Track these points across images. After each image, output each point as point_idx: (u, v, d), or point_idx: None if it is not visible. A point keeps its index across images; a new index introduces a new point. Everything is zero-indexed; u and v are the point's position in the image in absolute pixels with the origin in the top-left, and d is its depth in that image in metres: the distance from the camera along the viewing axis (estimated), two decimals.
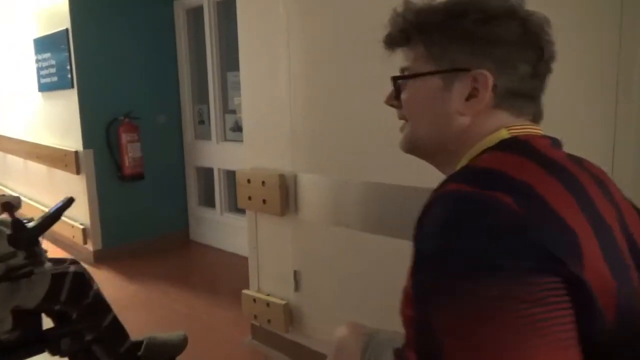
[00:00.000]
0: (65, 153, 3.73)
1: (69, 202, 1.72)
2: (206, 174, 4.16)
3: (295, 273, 2.12)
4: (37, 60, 4.04)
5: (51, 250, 3.99)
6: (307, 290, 2.10)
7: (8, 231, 1.57)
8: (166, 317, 2.83)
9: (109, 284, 3.33)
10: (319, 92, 1.96)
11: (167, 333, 1.98)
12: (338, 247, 1.95)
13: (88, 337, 1.70)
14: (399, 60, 0.79)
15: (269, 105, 2.19)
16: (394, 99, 0.79)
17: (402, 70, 0.78)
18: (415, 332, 0.63)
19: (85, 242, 3.70)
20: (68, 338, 1.67)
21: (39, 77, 4.06)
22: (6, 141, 4.97)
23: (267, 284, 2.29)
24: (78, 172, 3.63)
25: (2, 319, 1.50)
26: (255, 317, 2.29)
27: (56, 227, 4.00)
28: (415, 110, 0.76)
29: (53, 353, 1.67)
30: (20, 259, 1.55)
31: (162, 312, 2.90)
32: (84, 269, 1.79)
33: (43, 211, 4.10)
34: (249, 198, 2.23)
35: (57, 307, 1.63)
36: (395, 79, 0.78)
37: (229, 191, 3.98)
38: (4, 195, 1.73)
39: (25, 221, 1.64)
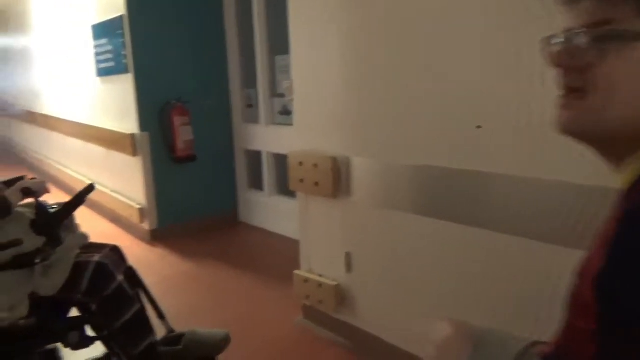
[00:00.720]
0: (122, 136, 3.89)
1: (89, 188, 1.71)
2: (254, 157, 4.23)
3: (347, 255, 2.15)
4: (95, 46, 4.21)
5: (110, 229, 4.23)
6: (359, 272, 2.12)
7: (33, 216, 1.58)
8: (217, 295, 2.94)
9: (163, 261, 3.49)
10: (372, 74, 1.94)
11: (209, 329, 1.88)
12: (390, 229, 1.95)
13: (103, 333, 1.63)
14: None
15: (321, 88, 2.19)
16: (581, 59, 0.57)
17: (586, 28, 0.57)
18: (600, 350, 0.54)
19: (141, 222, 3.87)
20: (77, 331, 1.61)
21: (97, 62, 4.23)
22: (67, 124, 5.23)
23: (319, 265, 2.33)
24: (135, 154, 3.79)
25: (16, 305, 1.46)
26: (307, 297, 2.34)
27: (115, 207, 4.23)
28: (618, 82, 0.56)
29: (64, 345, 1.62)
30: (37, 244, 1.52)
31: (214, 290, 3.01)
32: (116, 259, 1.74)
33: (103, 192, 4.33)
34: (301, 180, 2.26)
35: (78, 297, 1.58)
36: (597, 38, 0.56)
37: (277, 174, 4.04)
38: (27, 179, 1.72)
39: (49, 207, 1.65)
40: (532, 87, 1.42)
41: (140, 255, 3.55)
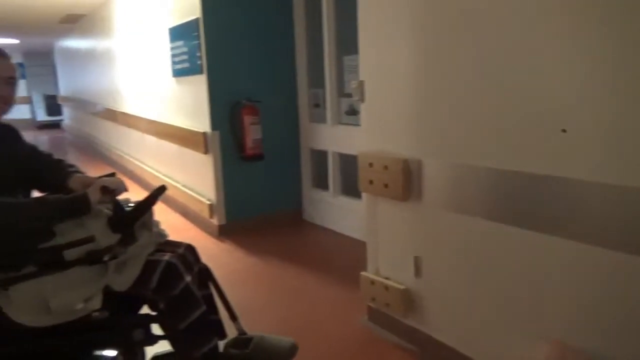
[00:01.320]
0: (194, 134, 4.06)
1: (161, 189, 1.73)
2: (320, 156, 4.26)
3: (416, 259, 2.11)
4: (172, 48, 4.41)
5: (181, 222, 4.43)
6: (429, 277, 2.07)
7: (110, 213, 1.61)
8: (282, 292, 2.99)
9: (230, 255, 3.60)
10: (446, 71, 1.89)
11: (277, 337, 1.87)
12: (463, 235, 1.89)
13: (168, 332, 1.63)
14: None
15: (391, 88, 2.17)
16: None
17: None
18: None
19: (211, 217, 4.01)
20: (143, 329, 1.61)
21: (173, 63, 4.44)
22: (143, 122, 5.53)
23: (386, 268, 2.31)
24: (206, 152, 3.93)
25: (90, 297, 1.50)
26: (373, 299, 2.33)
27: (186, 201, 4.41)
28: None
29: (128, 342, 1.62)
30: (111, 241, 1.56)
31: (279, 287, 3.06)
32: (188, 258, 1.75)
33: (175, 186, 4.54)
34: (370, 182, 2.25)
35: (148, 295, 1.59)
36: None
37: (342, 174, 4.05)
38: (106, 178, 1.74)
39: (126, 205, 1.68)
40: (624, 88, 1.32)
41: (208, 248, 3.69)
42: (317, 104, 4.21)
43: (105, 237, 1.56)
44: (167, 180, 4.84)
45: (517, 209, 1.66)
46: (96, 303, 1.49)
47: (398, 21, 2.07)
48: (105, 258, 1.52)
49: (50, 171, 1.75)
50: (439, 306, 2.06)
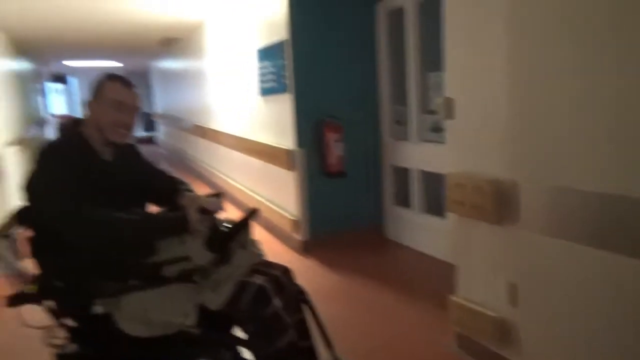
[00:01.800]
0: (280, 151, 4.19)
1: (254, 212, 1.78)
2: (402, 174, 4.21)
3: (511, 286, 2.00)
4: (259, 68, 4.61)
5: (265, 237, 4.56)
6: (526, 306, 1.96)
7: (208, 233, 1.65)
8: (366, 310, 2.97)
9: (314, 272, 3.64)
10: (547, 86, 1.79)
11: None
12: (565, 263, 1.77)
13: (255, 357, 1.62)
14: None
15: (485, 105, 2.09)
16: None
17: None
18: None
19: (295, 232, 4.10)
20: (230, 351, 1.62)
21: (260, 82, 4.63)
22: (231, 138, 5.80)
23: (477, 293, 2.21)
24: (291, 169, 4.04)
25: (187, 313, 1.54)
26: (462, 325, 2.24)
27: (270, 216, 4.54)
28: None
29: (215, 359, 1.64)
30: (206, 261, 1.60)
31: (362, 305, 3.04)
32: (281, 282, 1.72)
33: (259, 201, 4.69)
34: (460, 203, 2.18)
35: (239, 316, 1.61)
36: None
37: (425, 192, 3.97)
38: (207, 198, 1.80)
39: (222, 225, 1.71)
40: None
41: (292, 264, 3.68)
42: (400, 121, 4.17)
43: (201, 256, 1.61)
44: (252, 195, 5.03)
45: (629, 236, 1.53)
46: (192, 319, 1.55)
47: (491, 34, 2.01)
48: (195, 278, 1.57)
49: (164, 188, 1.86)
50: (536, 338, 1.94)
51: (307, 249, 4.02)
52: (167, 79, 11.19)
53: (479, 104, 2.13)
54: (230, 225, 1.74)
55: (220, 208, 1.77)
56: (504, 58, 1.95)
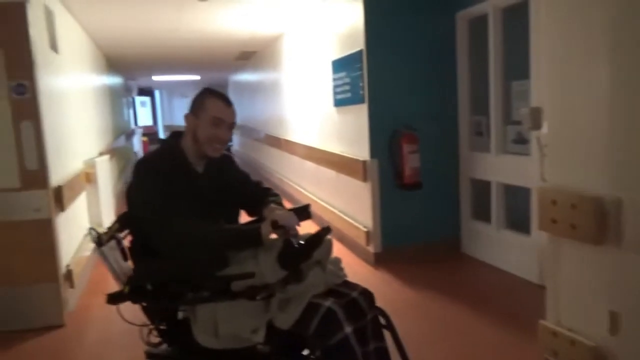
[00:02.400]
0: (354, 161, 4.16)
1: (327, 230, 1.67)
2: (479, 187, 4.03)
3: (612, 314, 1.82)
4: (334, 79, 4.63)
5: (338, 249, 4.49)
6: (630, 336, 1.77)
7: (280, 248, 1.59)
8: (442, 329, 2.84)
9: (387, 285, 3.56)
10: None
11: None
12: None
13: None
14: None
15: (581, 115, 1.93)
16: None
17: None
18: None
19: (367, 244, 4.04)
20: None
21: (334, 93, 4.64)
22: (304, 148, 5.87)
23: (570, 319, 2.04)
24: (364, 180, 4.00)
25: (256, 330, 1.52)
26: (555, 353, 2.07)
27: (342, 227, 4.52)
28: None
29: None
30: (277, 277, 1.55)
31: (438, 323, 2.92)
32: (356, 305, 1.62)
33: (332, 212, 4.69)
34: (553, 221, 2.02)
35: (307, 338, 1.52)
36: None
37: (506, 206, 3.77)
38: (280, 212, 1.72)
39: (297, 242, 1.61)
40: None
41: (364, 276, 3.70)
42: (479, 132, 4.01)
43: (272, 272, 1.57)
44: (324, 206, 5.04)
45: None
46: (260, 336, 1.52)
47: (591, 38, 1.85)
48: (258, 297, 1.52)
49: (252, 199, 1.87)
50: None
51: (379, 261, 3.94)
52: (242, 90, 11.60)
53: (576, 113, 1.97)
54: (302, 242, 1.64)
55: (295, 223, 1.67)
56: (605, 61, 1.79)
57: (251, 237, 1.61)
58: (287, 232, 1.61)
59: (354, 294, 1.65)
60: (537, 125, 3.19)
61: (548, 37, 2.12)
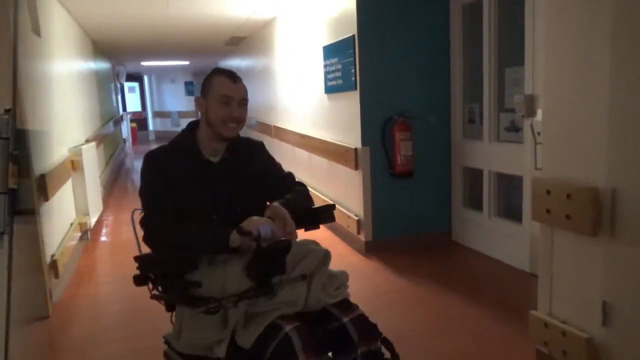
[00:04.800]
0: (345, 149, 4.10)
1: (288, 240, 1.46)
2: (473, 175, 4.00)
3: (604, 304, 1.80)
4: (325, 66, 4.55)
5: (328, 236, 4.50)
6: (621, 327, 1.76)
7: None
8: (434, 319, 2.82)
9: (378, 275, 3.53)
10: None
11: None
12: None
13: None
14: None
15: (580, 104, 1.89)
16: None
17: None
18: None
19: (358, 233, 4.01)
20: None
21: (326, 80, 4.56)
22: (295, 136, 5.79)
23: (562, 310, 2.02)
24: (356, 168, 3.95)
25: (218, 343, 1.40)
26: (545, 344, 2.05)
27: (336, 216, 4.47)
28: None
29: None
30: (239, 289, 1.41)
31: (430, 313, 2.90)
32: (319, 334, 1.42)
33: (325, 200, 4.64)
34: (547, 211, 1.99)
35: None
36: None
37: (498, 194, 3.75)
38: (255, 218, 1.49)
39: (271, 251, 1.42)
40: None
41: (355, 265, 3.68)
42: (472, 120, 3.96)
43: (236, 282, 1.42)
44: (315, 194, 4.99)
45: None
46: (221, 351, 1.38)
47: (590, 25, 1.80)
48: (202, 308, 1.38)
49: (275, 192, 1.68)
50: None
51: (370, 250, 3.92)
52: None
53: (572, 102, 1.93)
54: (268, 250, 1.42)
55: (269, 230, 1.43)
56: (604, 49, 1.75)
57: (220, 242, 1.46)
58: (257, 240, 1.40)
59: (345, 320, 1.44)
60: (531, 113, 3.17)
61: (546, 24, 2.07)
